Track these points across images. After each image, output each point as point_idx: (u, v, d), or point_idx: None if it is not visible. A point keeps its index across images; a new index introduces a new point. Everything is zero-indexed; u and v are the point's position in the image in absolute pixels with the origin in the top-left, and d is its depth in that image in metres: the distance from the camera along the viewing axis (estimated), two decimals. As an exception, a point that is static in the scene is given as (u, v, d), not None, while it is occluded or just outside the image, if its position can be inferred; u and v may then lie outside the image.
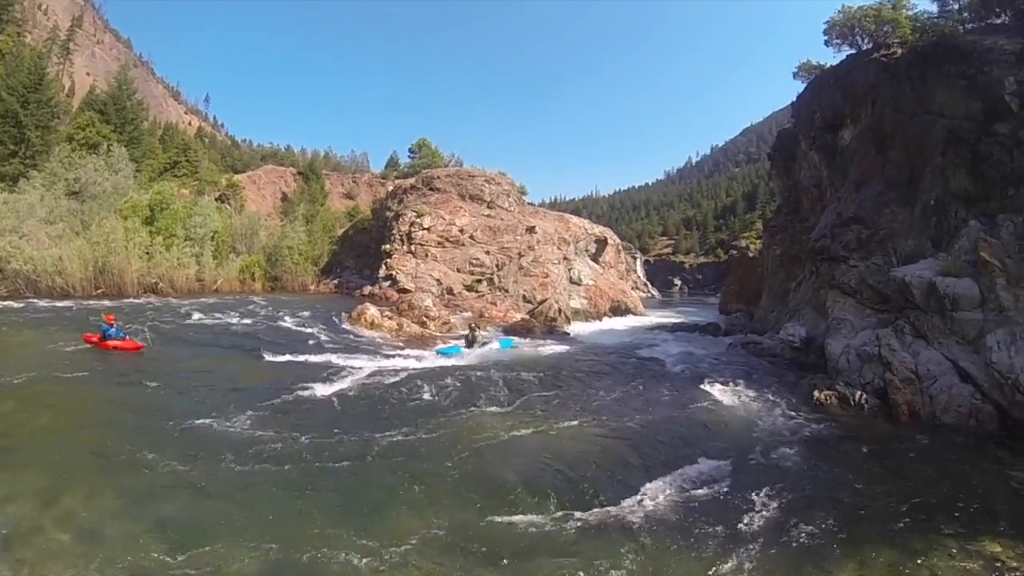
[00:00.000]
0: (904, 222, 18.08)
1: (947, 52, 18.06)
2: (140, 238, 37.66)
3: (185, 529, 7.11)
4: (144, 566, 6.33)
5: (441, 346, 22.82)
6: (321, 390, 14.01)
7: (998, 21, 20.80)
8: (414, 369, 17.27)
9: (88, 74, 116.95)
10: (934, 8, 23.50)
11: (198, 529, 7.11)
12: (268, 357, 18.22)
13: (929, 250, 16.15)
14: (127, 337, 18.62)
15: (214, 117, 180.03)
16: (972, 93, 16.78)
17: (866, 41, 24.28)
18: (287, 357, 18.25)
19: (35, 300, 28.86)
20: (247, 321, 26.11)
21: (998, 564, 6.77)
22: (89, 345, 18.14)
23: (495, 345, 22.99)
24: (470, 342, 22.49)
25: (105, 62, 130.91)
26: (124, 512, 7.43)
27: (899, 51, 21.20)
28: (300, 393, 13.59)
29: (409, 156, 75.91)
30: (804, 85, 29.21)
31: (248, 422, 11.28)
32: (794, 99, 30.21)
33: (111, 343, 18.01)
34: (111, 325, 18.56)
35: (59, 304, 28.16)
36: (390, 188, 58.98)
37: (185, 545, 6.70)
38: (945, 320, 13.41)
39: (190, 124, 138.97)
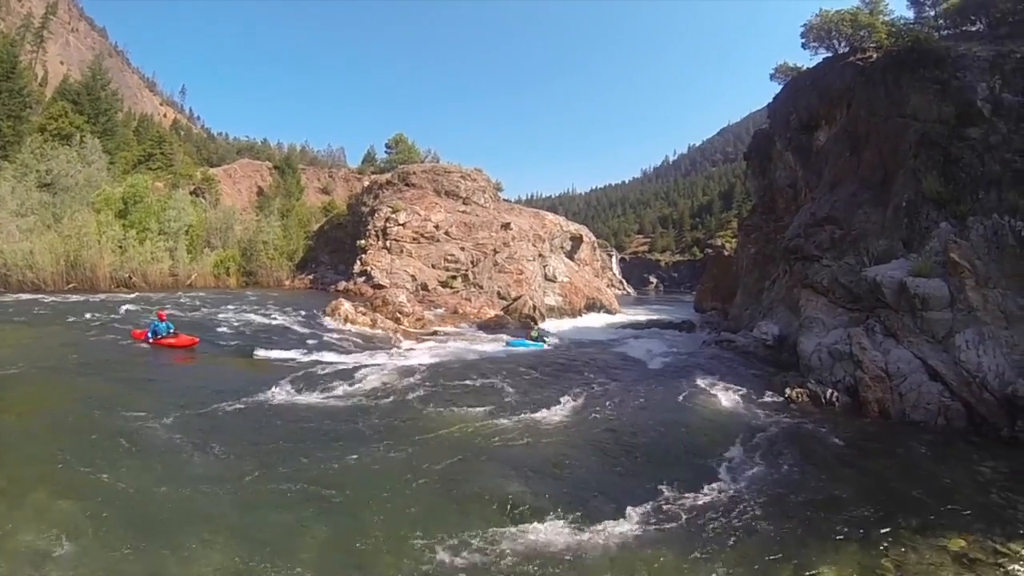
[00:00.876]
0: (876, 223, 18.37)
1: (922, 57, 18.38)
2: (113, 232, 37.05)
3: (153, 536, 6.92)
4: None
5: (510, 339, 25.04)
6: (288, 389, 13.63)
7: (973, 28, 21.25)
8: (384, 366, 17.07)
9: (62, 63, 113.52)
10: (910, 14, 23.99)
11: (170, 536, 6.92)
12: (238, 354, 17.89)
13: (900, 250, 16.43)
14: (179, 333, 18.50)
15: (190, 109, 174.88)
16: (945, 98, 17.15)
17: (843, 44, 24.63)
18: (261, 353, 17.89)
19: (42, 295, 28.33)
20: (222, 316, 25.63)
21: (964, 559, 6.89)
22: (141, 342, 17.97)
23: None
24: (535, 338, 24.68)
25: (79, 51, 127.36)
26: (85, 516, 7.18)
27: (875, 55, 21.55)
28: (262, 394, 13.06)
29: (386, 151, 75.20)
30: (781, 86, 29.52)
31: (213, 421, 11.09)
32: (771, 100, 30.56)
33: (164, 340, 17.90)
34: (162, 320, 18.50)
35: (72, 298, 27.73)
36: (366, 183, 58.48)
37: (149, 553, 6.54)
38: (915, 319, 13.65)
39: (165, 116, 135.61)
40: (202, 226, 46.27)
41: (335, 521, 7.50)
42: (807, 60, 27.30)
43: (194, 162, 69.43)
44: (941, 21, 22.06)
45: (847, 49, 24.14)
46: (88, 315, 22.16)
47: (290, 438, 10.45)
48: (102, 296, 30.24)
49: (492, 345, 23.50)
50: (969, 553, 7.01)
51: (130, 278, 36.72)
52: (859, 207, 19.48)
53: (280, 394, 13.24)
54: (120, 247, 37.16)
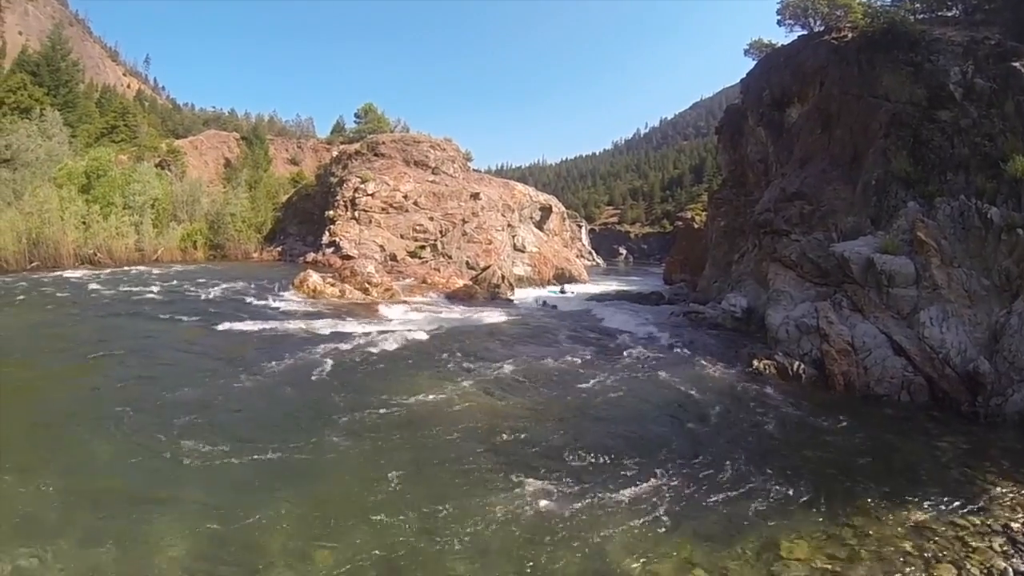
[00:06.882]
0: (845, 199, 18.75)
1: (896, 39, 18.63)
2: (76, 207, 36.11)
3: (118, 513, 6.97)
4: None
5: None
6: (254, 361, 13.59)
7: (949, 14, 21.50)
8: (351, 336, 17.01)
9: (20, 33, 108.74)
10: (888, -4, 24.11)
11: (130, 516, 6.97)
12: (204, 325, 17.68)
13: (868, 227, 16.81)
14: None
15: (154, 79, 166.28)
16: (918, 80, 17.46)
17: (818, 23, 24.75)
18: (226, 326, 17.67)
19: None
20: (189, 289, 25.36)
21: (923, 529, 7.14)
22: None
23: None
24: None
25: (39, 20, 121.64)
26: (64, 494, 7.23)
27: (850, 35, 21.71)
28: (228, 367, 13.09)
29: (355, 121, 73.28)
30: (754, 62, 29.66)
31: (182, 394, 11.09)
32: (744, 76, 30.70)
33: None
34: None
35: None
36: (335, 153, 57.53)
37: (127, 529, 6.60)
38: (881, 295, 14.03)
39: (129, 87, 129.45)
40: (168, 199, 45.33)
41: (309, 491, 7.59)
42: (782, 37, 27.55)
43: (159, 134, 67.46)
44: (917, 5, 22.26)
45: (822, 28, 24.29)
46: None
47: (256, 408, 10.54)
48: (66, 274, 29.38)
49: (459, 314, 23.44)
50: (928, 524, 7.25)
51: (95, 254, 35.91)
52: (828, 184, 19.82)
53: (246, 367, 13.17)
54: (84, 223, 36.27)
